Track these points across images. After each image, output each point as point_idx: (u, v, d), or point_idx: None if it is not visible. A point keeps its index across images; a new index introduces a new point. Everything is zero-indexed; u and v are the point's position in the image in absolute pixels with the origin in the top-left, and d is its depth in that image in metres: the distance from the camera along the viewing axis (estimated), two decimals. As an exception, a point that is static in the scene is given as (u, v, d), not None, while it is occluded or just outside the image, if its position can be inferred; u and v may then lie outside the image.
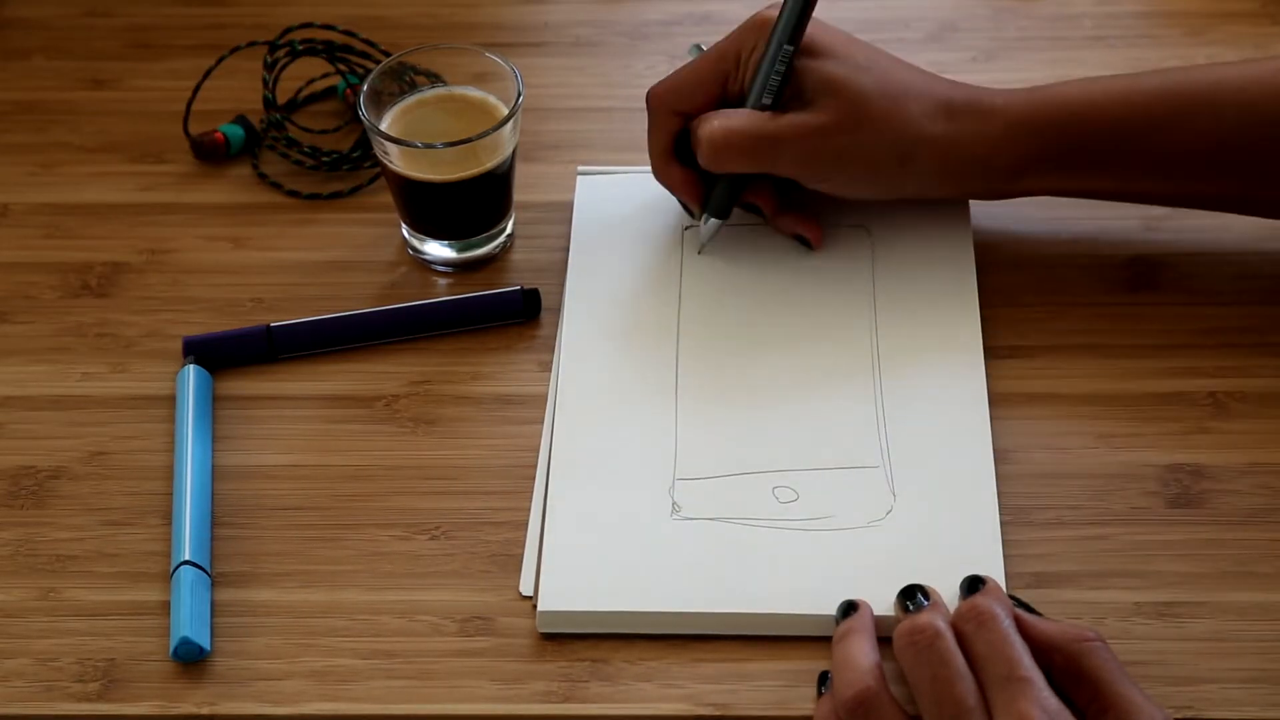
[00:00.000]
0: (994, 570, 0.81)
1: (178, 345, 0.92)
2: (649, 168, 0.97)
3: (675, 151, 0.92)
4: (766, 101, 0.89)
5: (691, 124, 0.91)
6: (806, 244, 0.94)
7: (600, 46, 1.08)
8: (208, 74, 1.03)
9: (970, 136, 0.89)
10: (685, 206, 0.95)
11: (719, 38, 0.91)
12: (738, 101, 0.90)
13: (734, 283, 0.93)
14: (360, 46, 1.04)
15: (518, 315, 0.93)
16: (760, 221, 0.95)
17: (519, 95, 0.92)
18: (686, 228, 0.96)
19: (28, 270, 0.97)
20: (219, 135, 1.01)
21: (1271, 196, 0.90)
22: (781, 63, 0.88)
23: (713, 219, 0.93)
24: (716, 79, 0.91)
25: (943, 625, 0.75)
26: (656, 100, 0.92)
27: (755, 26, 0.90)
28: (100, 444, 0.89)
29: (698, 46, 0.94)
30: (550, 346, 0.92)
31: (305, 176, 1.01)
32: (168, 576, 0.83)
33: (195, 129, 1.02)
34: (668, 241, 0.95)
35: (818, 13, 0.90)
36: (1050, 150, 0.89)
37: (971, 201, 0.95)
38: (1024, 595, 0.80)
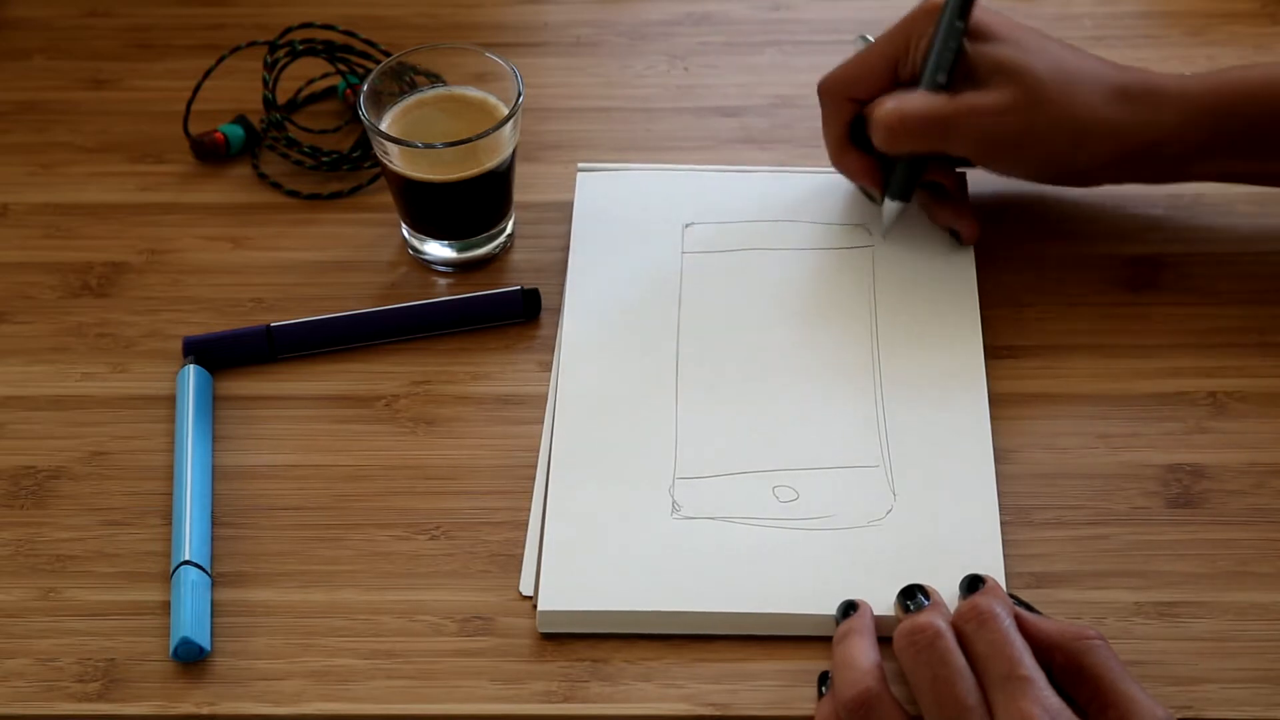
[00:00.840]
0: (994, 570, 0.81)
1: (178, 345, 0.92)
2: (649, 166, 0.98)
3: (851, 139, 0.93)
4: (941, 80, 0.89)
5: (866, 110, 0.91)
6: (958, 238, 0.93)
7: (600, 46, 1.08)
8: (208, 74, 1.03)
9: (1144, 123, 0.88)
10: (866, 192, 0.95)
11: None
12: (910, 87, 0.91)
13: (734, 282, 0.93)
14: (360, 46, 1.04)
15: (518, 315, 0.93)
16: (758, 219, 0.95)
17: (519, 95, 0.92)
18: (686, 226, 0.96)
19: (28, 270, 0.97)
20: (219, 135, 1.01)
21: None
22: (954, 39, 0.89)
23: (895, 201, 0.93)
24: (887, 65, 0.91)
25: (943, 625, 0.75)
26: (829, 89, 0.92)
27: (924, 13, 0.90)
28: (100, 444, 0.89)
29: (863, 38, 0.94)
30: (550, 346, 0.92)
31: (305, 176, 1.01)
32: (168, 576, 0.83)
33: (195, 129, 1.02)
34: (668, 240, 0.95)
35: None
36: (1227, 136, 0.89)
37: (970, 201, 0.95)
38: (1024, 595, 0.80)
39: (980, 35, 0.89)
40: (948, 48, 0.89)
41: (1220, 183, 0.93)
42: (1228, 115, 0.88)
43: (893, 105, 0.89)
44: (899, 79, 0.91)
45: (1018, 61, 0.88)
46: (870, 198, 0.95)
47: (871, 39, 0.93)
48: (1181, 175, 0.92)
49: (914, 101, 0.89)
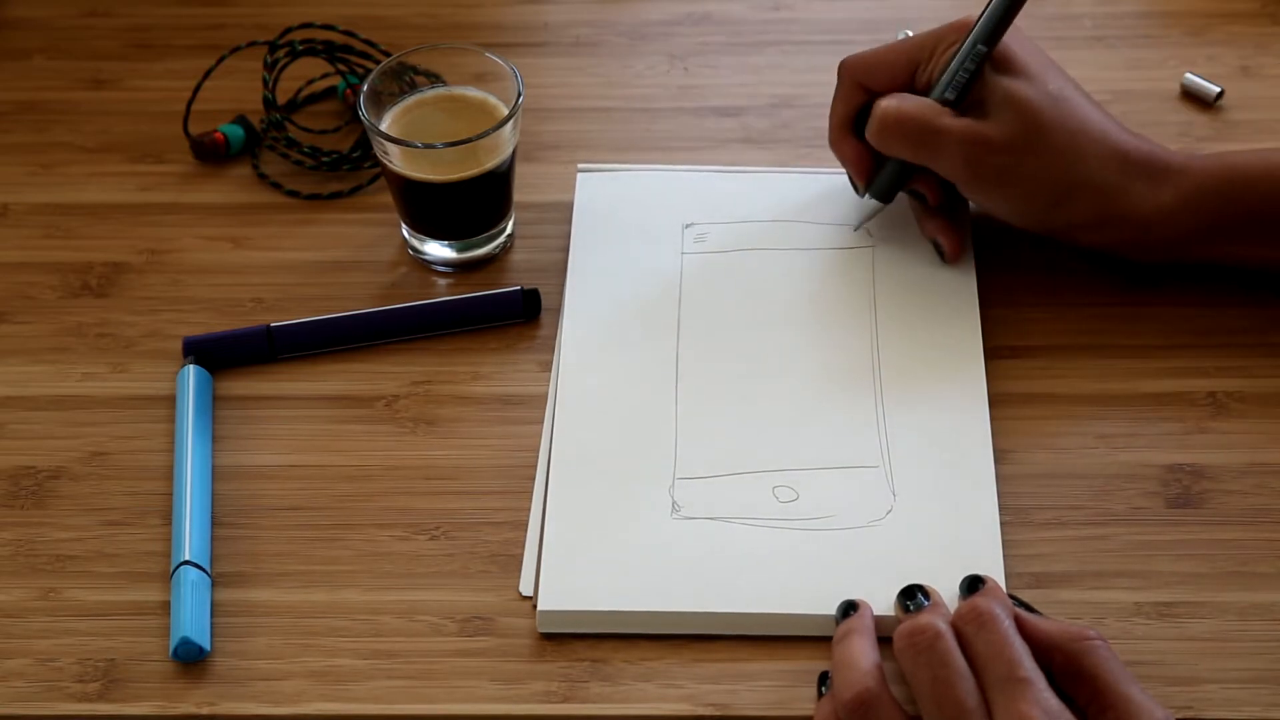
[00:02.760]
0: (994, 570, 0.81)
1: (178, 345, 0.92)
2: (649, 166, 0.98)
3: (855, 126, 0.92)
4: (950, 97, 0.89)
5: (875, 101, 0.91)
6: (941, 253, 0.93)
7: (600, 46, 1.08)
8: (208, 74, 1.03)
9: (1137, 195, 0.88)
10: (852, 181, 0.94)
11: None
12: (923, 94, 0.90)
13: (734, 282, 0.93)
14: (360, 46, 1.04)
15: (518, 315, 0.93)
16: (758, 220, 0.95)
17: (519, 95, 0.92)
18: (686, 226, 0.96)
19: (28, 270, 0.97)
20: (219, 135, 1.01)
21: None
22: (972, 61, 0.88)
23: (874, 199, 0.93)
24: (908, 65, 0.91)
25: (943, 626, 0.75)
26: (846, 70, 0.92)
27: (956, 27, 0.90)
28: (100, 444, 0.89)
29: (905, 33, 0.93)
30: (550, 346, 0.92)
31: (305, 176, 1.01)
32: (168, 576, 0.83)
33: (195, 129, 1.02)
34: (668, 241, 0.95)
35: (1023, 24, 0.90)
36: (1223, 220, 0.88)
37: (970, 201, 0.95)
38: (1024, 595, 0.80)
39: (1004, 66, 0.88)
40: (964, 68, 0.88)
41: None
42: (1224, 201, 0.87)
43: (894, 104, 0.89)
44: (916, 84, 0.91)
45: (1027, 100, 0.87)
46: (854, 188, 0.94)
47: (912, 35, 0.92)
48: (1173, 255, 0.90)
49: (914, 106, 0.89)
